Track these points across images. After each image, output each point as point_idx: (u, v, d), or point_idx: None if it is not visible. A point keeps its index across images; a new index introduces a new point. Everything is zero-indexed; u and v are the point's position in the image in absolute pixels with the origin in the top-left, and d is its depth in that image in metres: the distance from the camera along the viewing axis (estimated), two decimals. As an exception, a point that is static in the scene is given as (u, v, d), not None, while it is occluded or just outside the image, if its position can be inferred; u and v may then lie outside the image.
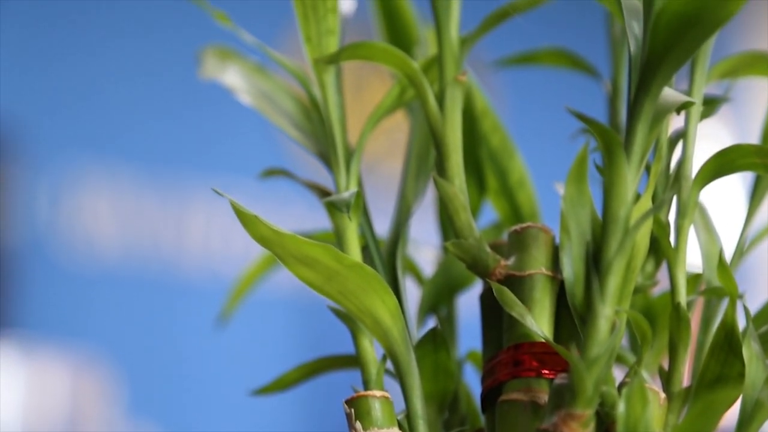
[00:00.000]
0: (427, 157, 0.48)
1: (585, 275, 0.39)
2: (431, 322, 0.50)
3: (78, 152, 3.18)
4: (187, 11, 3.35)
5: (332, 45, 0.47)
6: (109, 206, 3.24)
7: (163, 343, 3.19)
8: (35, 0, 3.20)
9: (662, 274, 0.45)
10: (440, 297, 0.49)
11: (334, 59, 0.45)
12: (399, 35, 0.53)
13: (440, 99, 0.44)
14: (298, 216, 3.32)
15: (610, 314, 0.37)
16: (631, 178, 0.38)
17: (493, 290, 0.42)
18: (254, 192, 3.31)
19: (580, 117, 0.38)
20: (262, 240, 0.40)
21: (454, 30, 0.46)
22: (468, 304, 0.52)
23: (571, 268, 0.39)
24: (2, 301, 2.99)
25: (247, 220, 0.40)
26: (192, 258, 3.31)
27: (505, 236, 0.51)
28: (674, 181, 0.43)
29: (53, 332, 3.00)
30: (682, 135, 0.44)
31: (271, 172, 0.49)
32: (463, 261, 0.43)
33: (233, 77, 0.51)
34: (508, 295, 0.41)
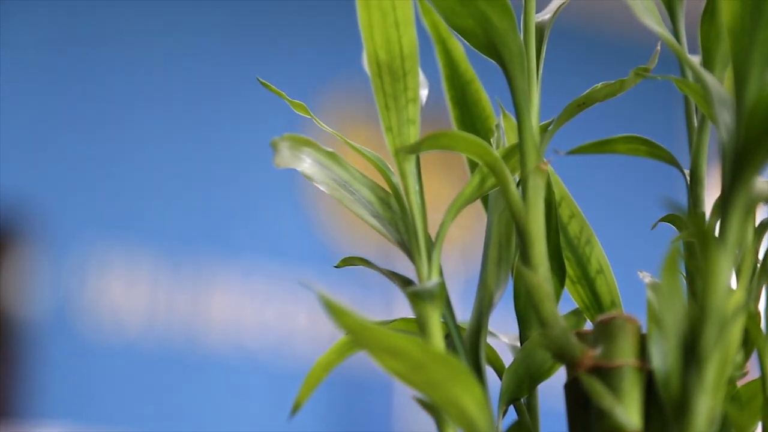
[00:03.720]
0: (508, 245, 0.48)
1: (680, 367, 0.38)
2: (512, 412, 0.49)
3: (100, 233, 3.21)
4: (208, 89, 3.38)
5: (413, 134, 0.47)
6: (129, 285, 3.25)
7: (184, 415, 3.19)
8: (58, 86, 3.24)
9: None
10: (521, 387, 0.49)
11: (415, 149, 0.45)
12: (474, 123, 0.53)
13: (522, 188, 0.44)
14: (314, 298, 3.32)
15: (709, 406, 0.37)
16: (726, 269, 0.37)
17: (582, 381, 0.41)
18: (275, 273, 3.32)
19: (674, 208, 0.38)
20: (349, 331, 0.39)
21: (534, 118, 0.46)
22: (546, 392, 0.52)
23: (664, 359, 0.39)
24: (21, 378, 3.00)
25: (335, 311, 0.39)
26: (214, 332, 3.31)
27: (585, 325, 0.51)
28: (762, 270, 0.43)
29: (72, 408, 3.01)
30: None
31: (350, 262, 0.49)
32: (549, 351, 0.43)
33: (308, 166, 0.51)
34: (597, 387, 0.41)
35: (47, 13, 3.24)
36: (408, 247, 0.46)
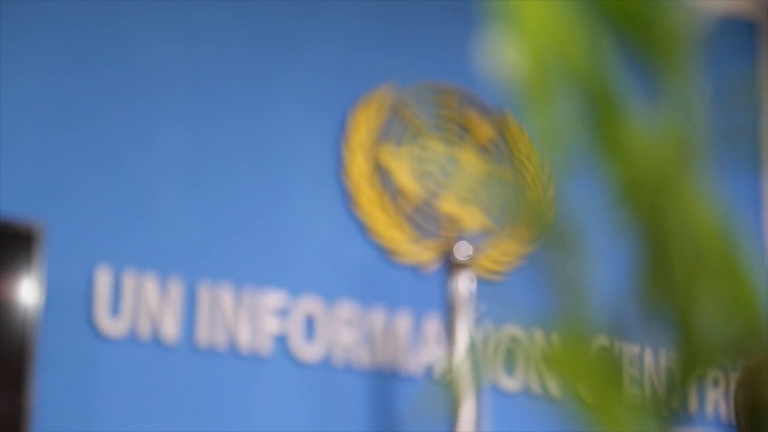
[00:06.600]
0: (675, 260, 0.46)
1: None
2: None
3: (131, 259, 3.16)
4: (237, 113, 3.26)
5: (567, 146, 0.46)
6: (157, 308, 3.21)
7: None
8: (79, 116, 3.18)
9: None
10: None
11: (572, 166, 0.44)
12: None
13: (697, 201, 0.43)
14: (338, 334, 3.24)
15: None
16: None
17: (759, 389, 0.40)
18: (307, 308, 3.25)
19: None
20: (550, 362, 0.39)
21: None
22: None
23: None
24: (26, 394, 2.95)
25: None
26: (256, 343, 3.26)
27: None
28: None
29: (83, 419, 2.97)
30: None
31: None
32: (728, 361, 0.42)
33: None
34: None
35: (56, 41, 3.18)
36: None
